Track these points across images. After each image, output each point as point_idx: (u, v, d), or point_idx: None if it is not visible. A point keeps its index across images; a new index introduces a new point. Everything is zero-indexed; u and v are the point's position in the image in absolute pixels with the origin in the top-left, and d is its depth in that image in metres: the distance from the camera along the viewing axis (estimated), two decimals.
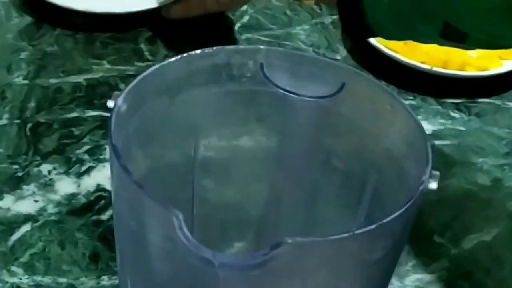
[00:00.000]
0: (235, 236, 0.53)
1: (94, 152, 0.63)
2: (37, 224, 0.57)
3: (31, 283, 0.53)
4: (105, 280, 0.53)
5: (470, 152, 0.68)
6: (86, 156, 0.63)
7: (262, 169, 0.51)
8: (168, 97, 0.46)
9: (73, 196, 0.59)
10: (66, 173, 0.61)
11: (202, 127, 0.49)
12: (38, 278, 0.53)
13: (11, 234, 0.56)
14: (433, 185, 0.41)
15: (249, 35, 0.80)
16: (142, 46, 0.76)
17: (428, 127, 0.70)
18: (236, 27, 0.81)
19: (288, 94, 0.47)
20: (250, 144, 0.51)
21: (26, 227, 0.56)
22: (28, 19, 0.78)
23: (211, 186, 0.52)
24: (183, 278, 0.38)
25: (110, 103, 0.42)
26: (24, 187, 0.59)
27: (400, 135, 0.46)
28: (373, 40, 0.77)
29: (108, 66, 0.73)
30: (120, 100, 0.42)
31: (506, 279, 0.57)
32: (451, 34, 0.47)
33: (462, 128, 0.71)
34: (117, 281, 0.53)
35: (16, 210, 0.58)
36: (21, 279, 0.53)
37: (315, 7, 0.85)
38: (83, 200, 0.59)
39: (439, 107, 0.73)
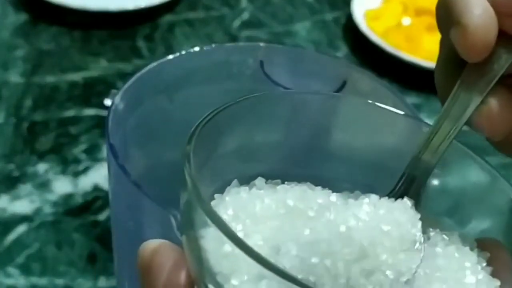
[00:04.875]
0: None
1: (91, 152, 0.63)
2: (34, 224, 0.56)
3: (27, 284, 0.52)
4: (102, 281, 0.53)
5: (474, 151, 0.67)
6: (83, 156, 0.62)
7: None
8: (166, 96, 0.46)
9: (69, 196, 0.59)
10: (63, 172, 0.60)
11: None
12: (35, 279, 0.53)
13: (7, 235, 0.55)
14: (435, 184, 0.41)
15: (249, 33, 0.79)
16: (140, 43, 0.76)
17: None
18: (236, 24, 0.80)
19: None
20: None
21: (22, 228, 0.56)
22: (24, 16, 0.78)
23: None
24: None
25: (108, 102, 0.42)
26: (20, 186, 0.59)
27: (403, 133, 0.46)
28: (375, 38, 0.76)
29: (105, 64, 0.73)
30: (117, 99, 0.42)
31: None
32: None
33: (465, 127, 0.70)
34: (114, 282, 0.53)
35: (12, 210, 0.57)
36: (17, 280, 0.52)
37: (315, 3, 0.85)
38: (80, 200, 0.59)
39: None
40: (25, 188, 0.59)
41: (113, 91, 0.43)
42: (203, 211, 0.24)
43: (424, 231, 0.28)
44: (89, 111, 0.67)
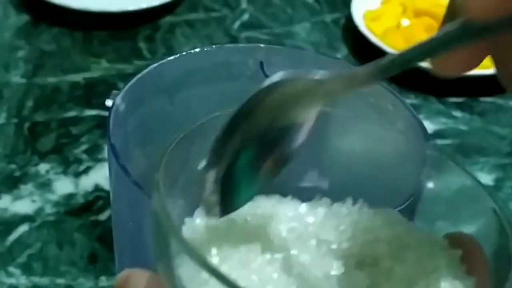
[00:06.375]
0: None
1: (92, 152, 0.63)
2: (35, 224, 0.56)
3: (29, 284, 0.52)
4: (103, 281, 0.53)
5: (472, 151, 0.68)
6: (84, 156, 0.62)
7: None
8: (167, 96, 0.46)
9: (71, 196, 0.59)
10: (64, 173, 0.61)
11: None
12: (36, 279, 0.53)
13: (9, 235, 0.55)
14: (435, 184, 0.41)
15: (249, 33, 0.79)
16: (141, 44, 0.76)
17: (429, 126, 0.69)
18: (236, 25, 0.80)
19: None
20: None
21: (24, 228, 0.56)
22: (25, 17, 0.78)
23: None
24: None
25: (109, 102, 0.42)
26: (22, 187, 0.59)
27: (402, 134, 0.46)
28: (374, 39, 0.76)
29: (106, 64, 0.73)
30: (118, 99, 0.42)
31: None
32: None
33: (464, 127, 0.70)
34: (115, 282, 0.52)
35: (14, 210, 0.57)
36: (18, 280, 0.52)
37: (315, 4, 0.85)
38: (81, 200, 0.59)
39: (441, 106, 0.73)
40: (27, 188, 0.59)
41: (114, 91, 0.43)
42: (177, 241, 0.24)
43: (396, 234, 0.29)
44: (90, 112, 0.67)
